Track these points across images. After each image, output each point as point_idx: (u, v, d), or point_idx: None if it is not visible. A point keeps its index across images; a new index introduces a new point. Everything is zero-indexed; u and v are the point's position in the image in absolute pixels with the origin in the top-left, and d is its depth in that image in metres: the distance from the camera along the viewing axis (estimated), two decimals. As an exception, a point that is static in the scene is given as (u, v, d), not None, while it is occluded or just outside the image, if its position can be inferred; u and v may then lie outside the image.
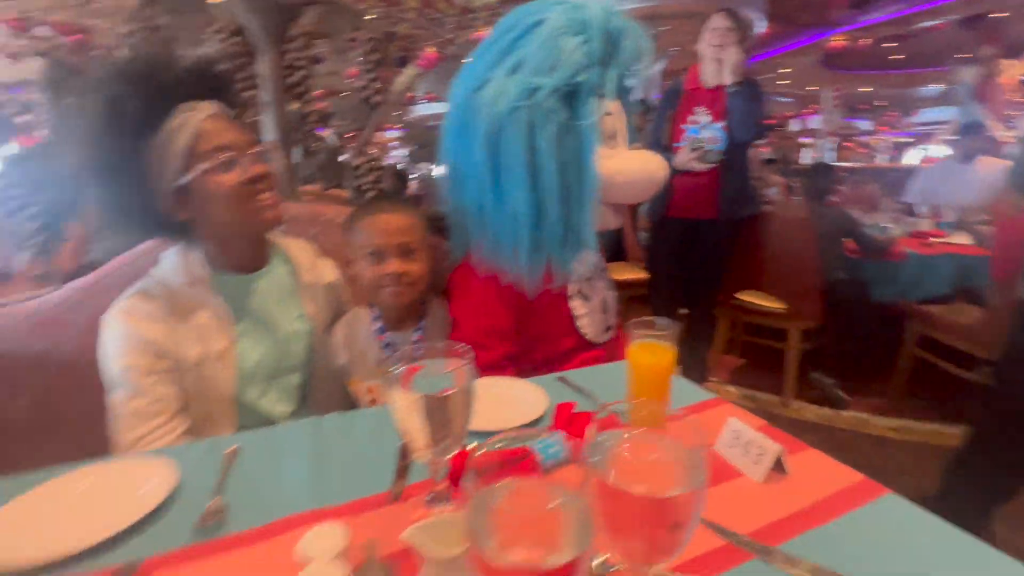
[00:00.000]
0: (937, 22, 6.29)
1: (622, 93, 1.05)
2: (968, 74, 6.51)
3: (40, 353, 0.94)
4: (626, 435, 0.40)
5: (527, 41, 0.96)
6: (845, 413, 2.28)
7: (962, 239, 2.51)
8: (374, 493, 0.58)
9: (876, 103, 11.23)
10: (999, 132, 4.48)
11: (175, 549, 0.50)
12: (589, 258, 1.15)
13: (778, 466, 0.61)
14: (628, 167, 1.02)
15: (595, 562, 0.47)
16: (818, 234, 2.22)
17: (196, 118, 0.78)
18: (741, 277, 2.43)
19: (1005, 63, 6.48)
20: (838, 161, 7.39)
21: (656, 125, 2.25)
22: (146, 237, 0.93)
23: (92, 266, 1.04)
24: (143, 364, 0.78)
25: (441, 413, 0.50)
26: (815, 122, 9.92)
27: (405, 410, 0.50)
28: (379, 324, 0.99)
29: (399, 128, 10.70)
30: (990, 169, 3.02)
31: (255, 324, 0.90)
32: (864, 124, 12.06)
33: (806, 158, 7.62)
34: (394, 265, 0.92)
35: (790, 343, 2.30)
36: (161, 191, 0.79)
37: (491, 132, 0.95)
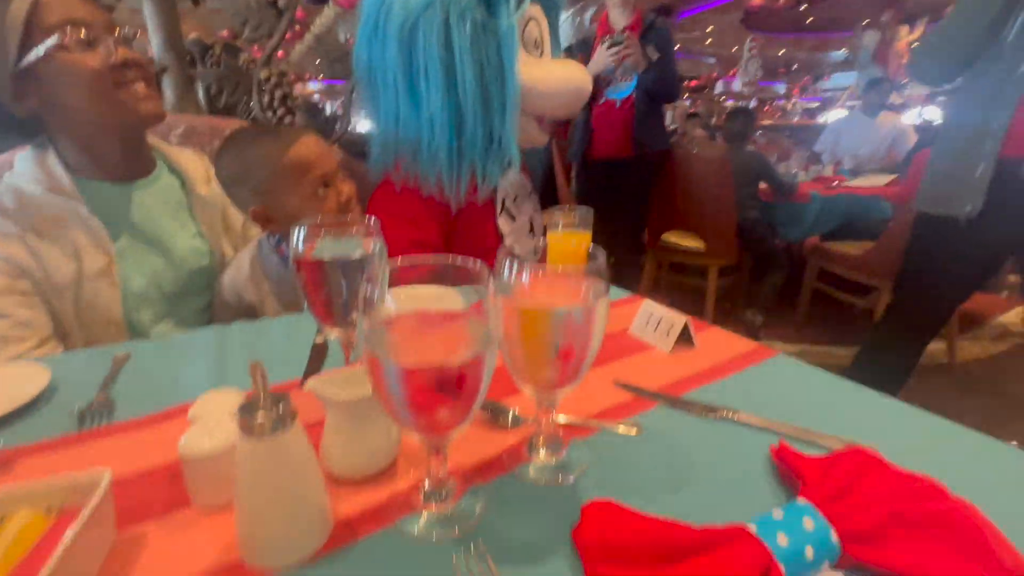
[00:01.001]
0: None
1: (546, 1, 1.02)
2: (870, 39, 7.02)
3: None
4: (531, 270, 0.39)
5: None
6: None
7: (859, 182, 2.75)
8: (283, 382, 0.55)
9: (792, 67, 11.86)
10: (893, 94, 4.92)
11: (49, 438, 0.45)
12: (515, 178, 1.13)
13: (686, 339, 0.65)
14: (552, 76, 1.00)
15: (510, 415, 0.48)
16: (735, 175, 2.34)
17: None
18: (665, 218, 2.53)
19: (902, 29, 7.03)
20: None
21: None
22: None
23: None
24: None
25: (350, 279, 0.47)
26: (737, 84, 10.32)
27: (311, 278, 0.47)
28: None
29: (322, 80, 9.96)
30: (891, 122, 3.31)
31: (141, 240, 0.81)
32: (780, 88, 12.73)
33: (728, 116, 7.95)
34: (348, 185, 0.84)
35: (709, 280, 2.46)
36: None
37: (404, 29, 0.89)
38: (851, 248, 2.29)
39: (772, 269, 2.47)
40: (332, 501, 0.37)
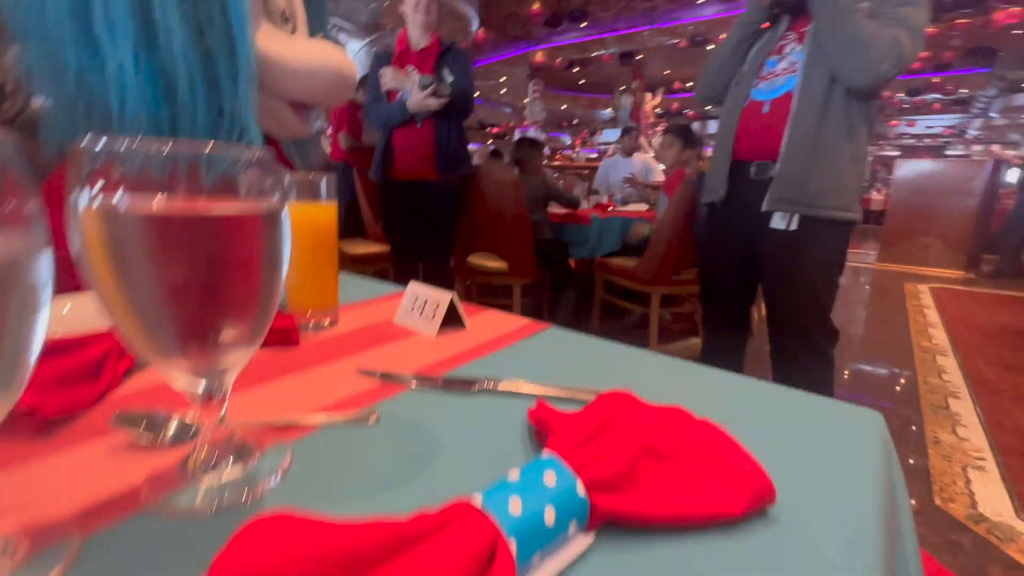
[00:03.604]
0: (604, 53, 8.05)
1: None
2: (625, 100, 8.66)
3: None
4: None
5: None
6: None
7: (627, 208, 3.23)
8: None
9: (574, 121, 13.84)
10: (646, 144, 6.11)
11: None
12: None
13: (455, 320, 0.57)
14: (302, 54, 0.87)
15: (172, 424, 0.33)
16: (528, 200, 2.51)
17: None
18: (470, 242, 2.56)
19: (647, 95, 8.82)
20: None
21: (372, 85, 2.17)
22: None
23: None
24: None
25: None
26: (532, 131, 11.56)
27: None
28: None
29: None
30: (642, 160, 4.05)
31: None
32: (566, 139, 14.72)
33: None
34: None
35: (514, 299, 2.54)
36: None
37: None
38: (627, 262, 2.62)
39: (567, 285, 2.68)
40: None
